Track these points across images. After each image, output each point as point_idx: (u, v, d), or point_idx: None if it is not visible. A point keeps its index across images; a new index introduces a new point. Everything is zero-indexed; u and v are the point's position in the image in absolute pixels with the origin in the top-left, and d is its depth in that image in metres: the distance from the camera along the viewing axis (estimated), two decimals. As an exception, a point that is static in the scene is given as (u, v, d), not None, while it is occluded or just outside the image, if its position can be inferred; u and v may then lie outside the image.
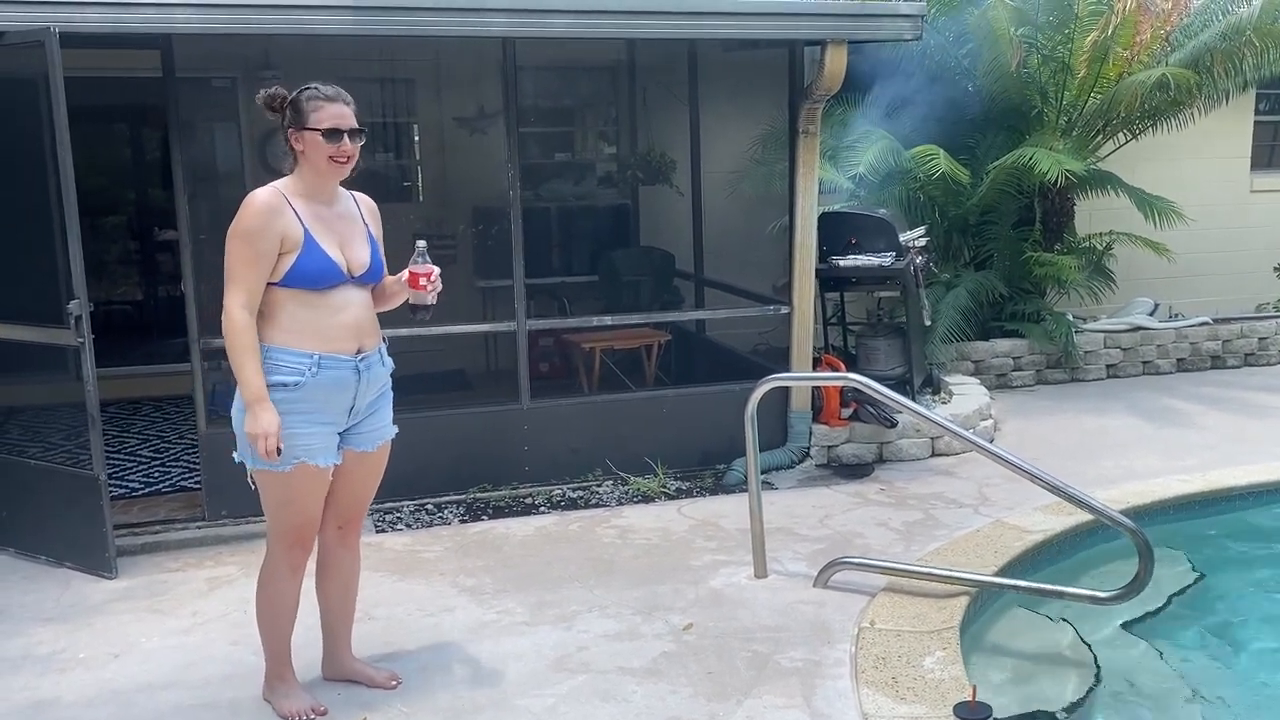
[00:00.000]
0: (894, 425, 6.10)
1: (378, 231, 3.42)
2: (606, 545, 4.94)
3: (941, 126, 7.65)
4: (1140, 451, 6.34)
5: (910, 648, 3.73)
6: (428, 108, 7.86)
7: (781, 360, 6.22)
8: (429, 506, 5.46)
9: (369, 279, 3.32)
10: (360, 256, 3.28)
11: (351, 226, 3.31)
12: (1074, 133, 8.12)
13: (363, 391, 3.29)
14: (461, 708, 3.47)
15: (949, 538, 4.89)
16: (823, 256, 6.28)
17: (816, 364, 6.33)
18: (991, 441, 6.03)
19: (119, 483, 5.75)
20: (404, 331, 4.90)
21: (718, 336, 7.33)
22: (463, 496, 5.58)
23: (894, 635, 3.84)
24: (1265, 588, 4.78)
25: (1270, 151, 10.30)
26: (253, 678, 3.61)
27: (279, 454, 3.11)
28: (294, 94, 3.20)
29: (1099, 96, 7.93)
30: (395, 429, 3.49)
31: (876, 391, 4.17)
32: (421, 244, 3.34)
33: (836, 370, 6.11)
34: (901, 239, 6.47)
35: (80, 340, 4.46)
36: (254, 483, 3.27)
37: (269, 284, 3.14)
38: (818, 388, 6.10)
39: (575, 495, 5.64)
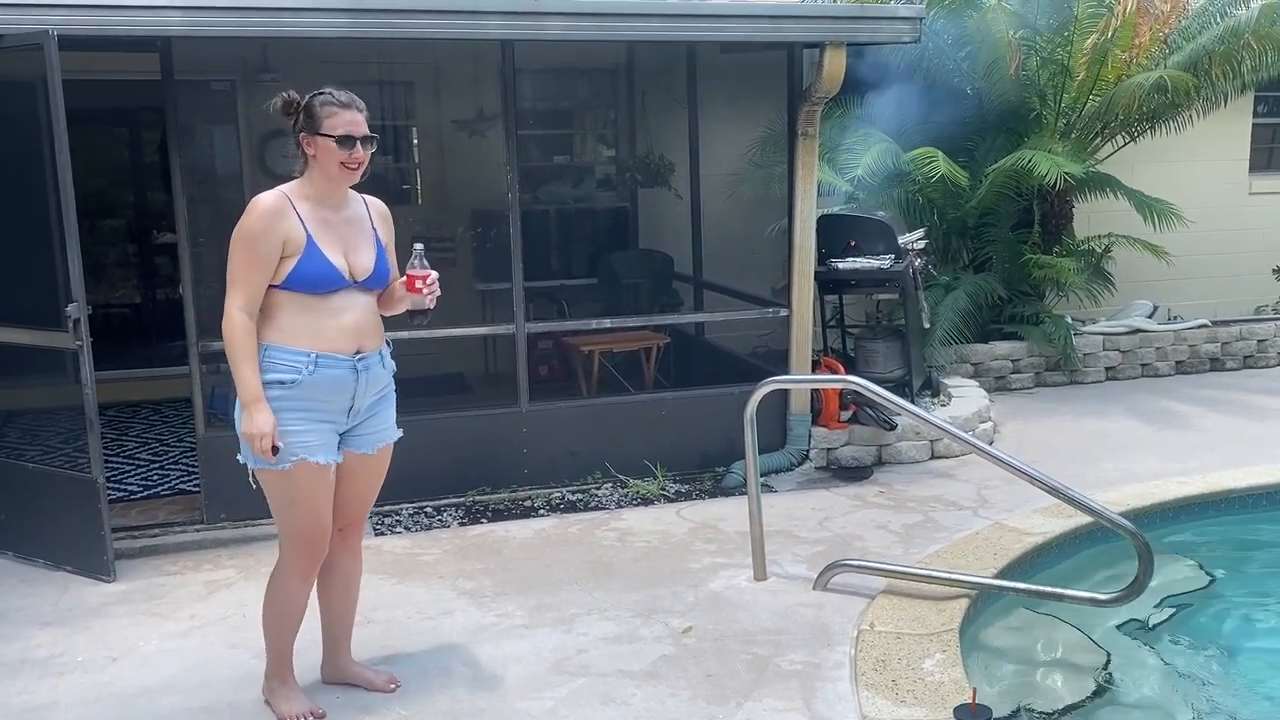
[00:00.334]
0: (893, 428, 6.09)
1: (387, 236, 3.41)
2: (606, 548, 4.94)
3: (940, 129, 7.67)
4: (1139, 454, 6.34)
5: (910, 650, 3.72)
6: (427, 110, 7.87)
7: (780, 363, 6.22)
8: (428, 509, 5.46)
9: (373, 284, 3.31)
10: (364, 261, 3.27)
11: (358, 231, 3.30)
12: (1073, 135, 8.13)
13: (362, 392, 3.29)
14: (461, 711, 3.46)
15: (948, 540, 4.89)
16: (821, 259, 6.29)
17: (815, 366, 6.33)
18: (990, 444, 6.01)
19: (117, 486, 5.74)
20: (403, 334, 4.89)
21: (717, 339, 7.32)
22: (462, 499, 5.57)
23: (894, 638, 3.83)
24: (1265, 589, 4.78)
25: (1269, 154, 10.31)
26: (252, 680, 3.60)
27: (275, 453, 3.11)
28: (308, 99, 3.19)
29: (1098, 99, 7.93)
30: (399, 432, 3.48)
31: (875, 394, 4.17)
32: (419, 247, 3.33)
33: (835, 373, 6.10)
34: (900, 241, 6.47)
35: (79, 343, 4.45)
36: (255, 482, 3.26)
37: (270, 286, 3.14)
38: (817, 390, 6.09)
39: (574, 498, 5.64)
